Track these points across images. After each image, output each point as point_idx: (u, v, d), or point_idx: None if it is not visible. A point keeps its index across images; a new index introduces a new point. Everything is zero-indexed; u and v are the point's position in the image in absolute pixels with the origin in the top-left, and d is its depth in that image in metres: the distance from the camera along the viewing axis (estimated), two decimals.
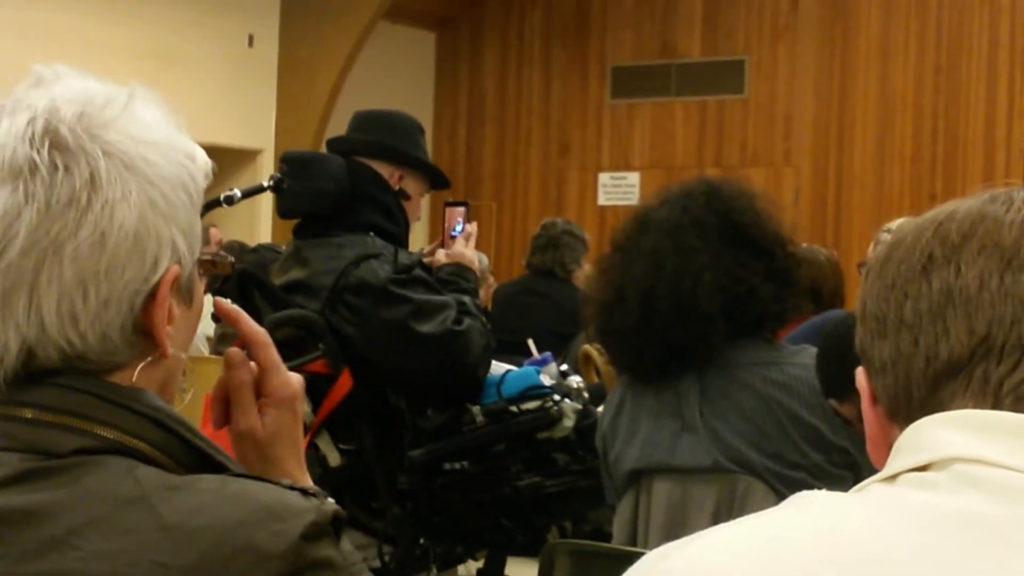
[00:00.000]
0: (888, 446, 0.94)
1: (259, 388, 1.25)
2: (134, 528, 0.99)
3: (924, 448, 0.90)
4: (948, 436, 0.89)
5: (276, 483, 1.05)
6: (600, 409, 3.20)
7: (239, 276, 3.60)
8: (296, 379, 1.27)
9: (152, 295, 1.07)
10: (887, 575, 0.84)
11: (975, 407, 0.90)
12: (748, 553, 0.88)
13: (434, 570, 3.57)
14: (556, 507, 3.64)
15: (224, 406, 1.25)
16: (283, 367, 1.26)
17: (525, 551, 3.52)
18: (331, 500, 1.08)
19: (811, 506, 0.91)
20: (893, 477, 0.91)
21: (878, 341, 0.95)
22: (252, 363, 1.25)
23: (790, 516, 0.91)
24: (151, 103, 1.11)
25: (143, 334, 1.08)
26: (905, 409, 0.93)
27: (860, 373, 0.98)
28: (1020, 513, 0.85)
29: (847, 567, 0.85)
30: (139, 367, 1.09)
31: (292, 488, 1.05)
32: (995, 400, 0.90)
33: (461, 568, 4.01)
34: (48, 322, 1.04)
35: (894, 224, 4.62)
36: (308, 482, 1.25)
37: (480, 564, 3.83)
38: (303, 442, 1.27)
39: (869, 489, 0.92)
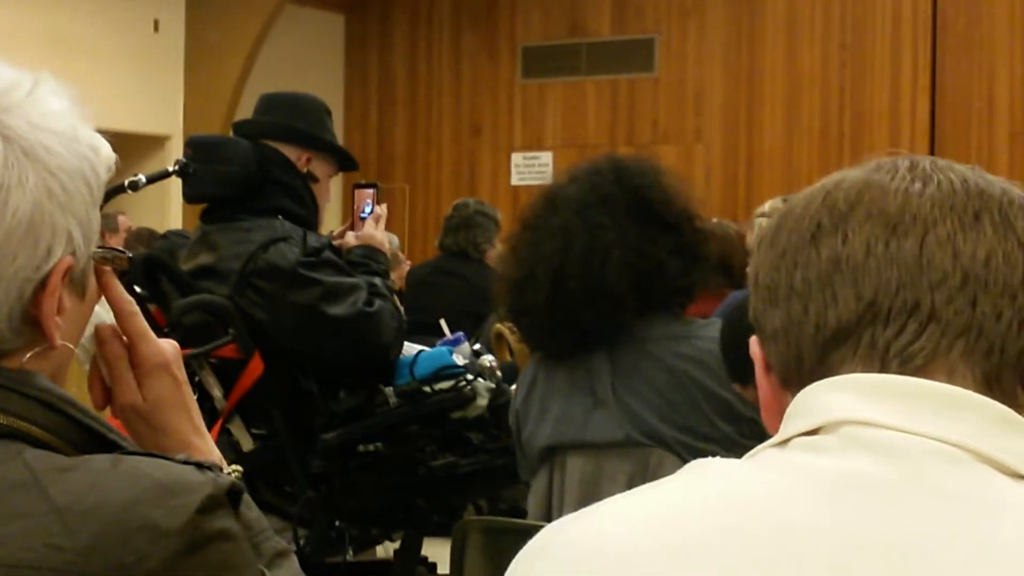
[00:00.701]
0: (781, 412, 0.95)
1: (132, 360, 1.24)
2: (25, 512, 0.97)
3: (814, 412, 0.91)
4: (837, 400, 0.91)
5: (170, 458, 1.04)
6: (513, 387, 3.21)
7: (145, 262, 3.56)
8: (169, 345, 1.26)
9: (43, 285, 1.06)
10: (783, 537, 0.85)
11: (863, 371, 0.92)
12: (646, 522, 0.89)
13: (350, 552, 3.57)
14: (471, 486, 3.65)
15: (102, 385, 1.24)
16: (152, 335, 1.25)
17: (441, 531, 3.52)
18: (230, 472, 1.07)
19: (705, 473, 0.92)
20: (785, 442, 0.92)
21: (770, 309, 0.96)
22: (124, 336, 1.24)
23: (685, 483, 0.92)
24: (57, 92, 1.10)
25: (31, 324, 1.06)
26: (796, 376, 0.95)
27: (753, 342, 0.99)
28: (907, 473, 0.87)
29: (742, 531, 0.86)
30: (27, 357, 1.07)
31: (187, 463, 1.04)
32: (882, 364, 0.91)
33: (379, 549, 4.02)
34: None
35: (767, 206, 4.68)
36: (210, 448, 1.24)
37: (396, 545, 3.83)
38: (195, 406, 1.26)
39: (762, 454, 0.93)
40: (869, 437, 0.88)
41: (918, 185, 0.95)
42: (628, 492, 0.93)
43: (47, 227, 1.05)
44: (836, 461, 0.88)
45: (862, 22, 10.95)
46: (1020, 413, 0.91)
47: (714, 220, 4.94)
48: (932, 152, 10.52)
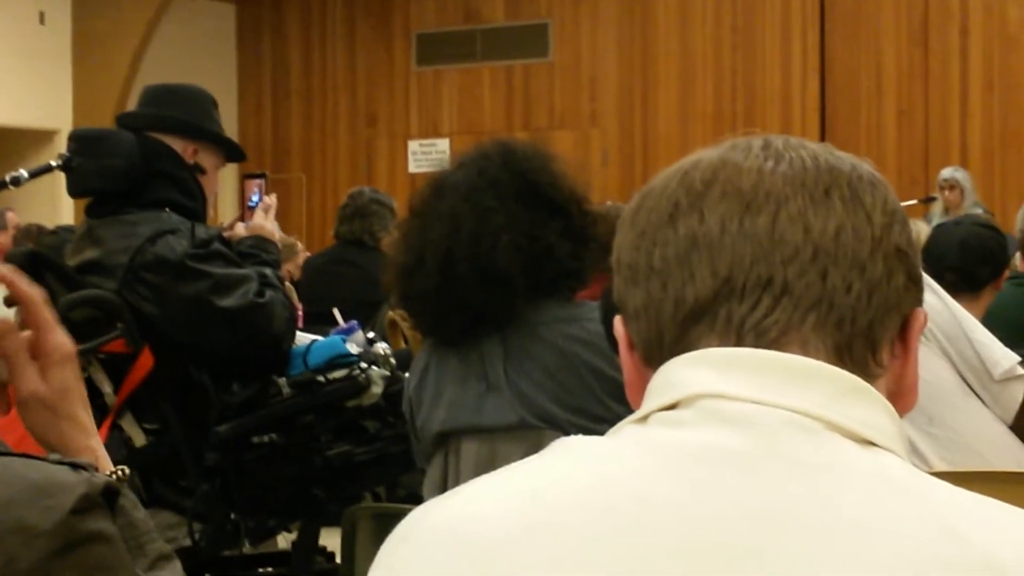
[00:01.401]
0: (644, 390, 0.97)
1: (36, 350, 1.23)
2: None
3: (672, 387, 0.93)
4: (693, 374, 0.92)
5: (43, 459, 1.03)
6: (407, 374, 3.21)
7: (30, 258, 3.51)
8: (67, 338, 1.26)
9: None
10: (642, 512, 0.87)
11: (720, 346, 0.93)
12: (508, 503, 0.90)
13: (247, 545, 3.55)
14: (368, 474, 3.65)
15: None
16: (58, 325, 1.25)
17: (339, 521, 3.52)
18: (114, 471, 1.06)
19: (568, 451, 0.93)
20: (644, 417, 0.93)
21: (631, 289, 0.98)
22: (25, 331, 1.23)
23: (547, 463, 0.93)
24: None
25: None
26: (658, 353, 0.96)
27: (617, 321, 1.01)
28: (763, 444, 0.89)
29: (602, 508, 0.87)
30: None
31: (61, 462, 1.03)
32: (738, 338, 0.93)
33: (278, 540, 4.00)
34: None
35: None
36: (98, 440, 1.23)
37: (294, 536, 3.82)
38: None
39: (623, 430, 0.94)
40: (724, 410, 0.90)
41: (771, 163, 0.96)
42: (492, 473, 0.94)
43: None
44: (693, 434, 0.90)
45: (752, 4, 11.08)
46: (870, 382, 0.93)
47: (608, 203, 4.98)
48: (823, 131, 10.69)
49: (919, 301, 0.97)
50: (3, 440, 1.09)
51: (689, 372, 0.93)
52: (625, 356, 1.00)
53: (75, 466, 1.03)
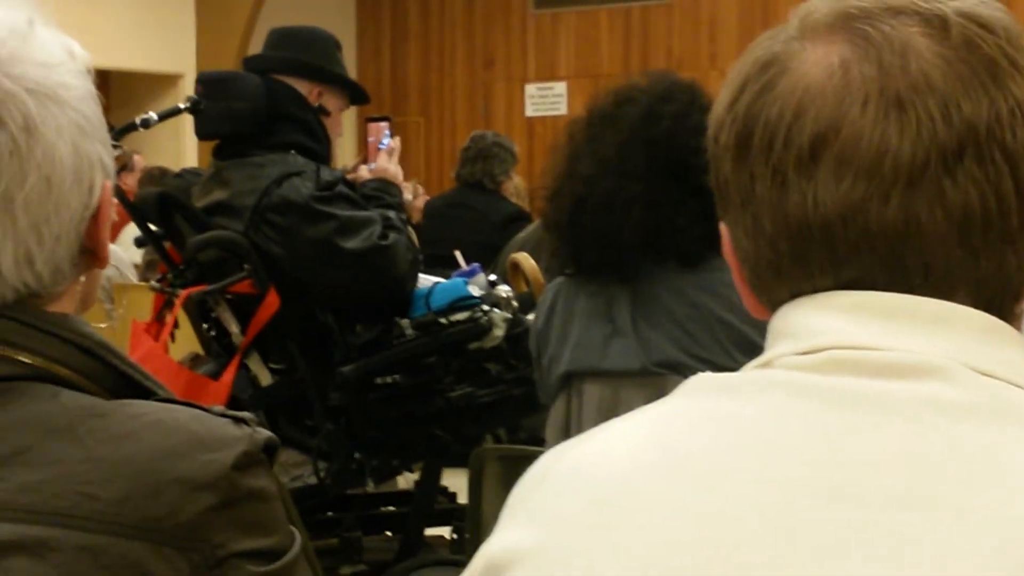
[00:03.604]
0: (764, 311, 0.94)
1: None
2: (60, 458, 0.97)
3: (800, 335, 0.89)
4: (823, 321, 0.89)
5: (207, 410, 1.03)
6: (530, 317, 3.21)
7: (160, 199, 3.58)
8: None
9: (94, 216, 1.05)
10: (772, 453, 0.85)
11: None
12: (643, 442, 0.89)
13: (370, 484, 3.60)
14: (489, 416, 3.67)
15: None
16: None
17: (461, 462, 3.55)
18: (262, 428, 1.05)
19: (697, 393, 0.91)
20: (768, 363, 0.91)
21: (744, 240, 0.93)
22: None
23: (679, 403, 0.91)
24: (39, 18, 1.06)
25: (86, 253, 1.06)
26: (769, 300, 0.93)
27: (728, 253, 0.96)
28: (900, 387, 0.85)
29: (733, 448, 0.86)
30: (78, 284, 1.07)
31: (223, 415, 1.02)
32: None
33: (400, 480, 4.05)
34: (6, 270, 1.02)
35: None
36: None
37: (416, 476, 3.86)
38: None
39: (749, 374, 0.92)
40: (856, 358, 0.87)
41: (894, 124, 0.87)
42: (628, 414, 0.93)
43: (86, 164, 1.04)
44: (826, 380, 0.86)
45: None
46: (1015, 326, 0.90)
47: None
48: None
49: None
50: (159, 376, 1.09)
51: (818, 318, 0.89)
52: (737, 277, 0.97)
53: (237, 420, 1.02)
